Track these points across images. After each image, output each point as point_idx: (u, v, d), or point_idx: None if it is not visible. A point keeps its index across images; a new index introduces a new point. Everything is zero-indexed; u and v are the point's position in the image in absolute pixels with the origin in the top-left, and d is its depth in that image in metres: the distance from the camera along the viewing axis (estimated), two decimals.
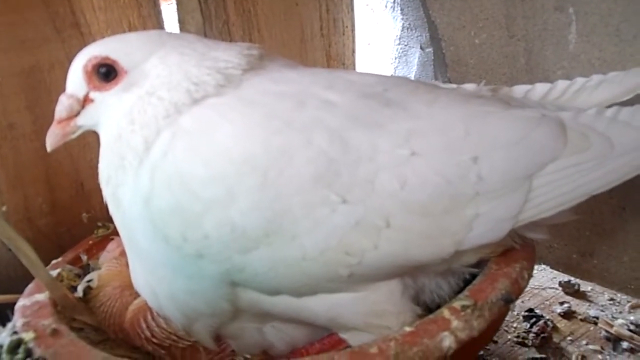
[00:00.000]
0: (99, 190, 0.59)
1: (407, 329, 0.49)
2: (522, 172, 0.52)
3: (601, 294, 0.82)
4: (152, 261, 0.56)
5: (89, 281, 0.68)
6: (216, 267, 0.52)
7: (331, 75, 0.60)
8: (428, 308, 0.57)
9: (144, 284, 0.60)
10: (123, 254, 0.67)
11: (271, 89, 0.55)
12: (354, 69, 1.10)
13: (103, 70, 0.57)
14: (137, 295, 0.64)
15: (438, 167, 0.50)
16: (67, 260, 0.74)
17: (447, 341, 0.48)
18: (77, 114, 0.59)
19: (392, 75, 1.10)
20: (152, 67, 0.56)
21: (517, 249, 0.58)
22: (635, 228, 0.78)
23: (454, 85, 0.69)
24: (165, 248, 0.53)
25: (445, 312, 0.51)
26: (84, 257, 0.75)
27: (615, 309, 0.78)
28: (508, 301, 0.53)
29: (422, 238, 0.51)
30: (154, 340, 0.62)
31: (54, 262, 0.73)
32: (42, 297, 0.63)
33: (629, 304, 0.78)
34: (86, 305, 0.67)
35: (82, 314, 0.65)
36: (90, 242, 0.78)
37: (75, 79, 0.58)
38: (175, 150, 0.51)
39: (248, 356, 0.62)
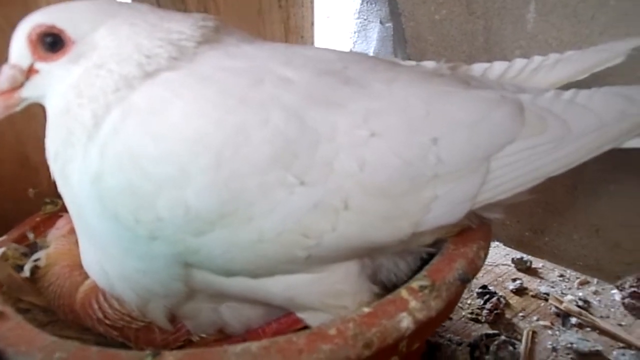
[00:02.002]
0: (46, 165, 0.57)
1: (365, 309, 0.49)
2: (480, 154, 0.52)
3: (552, 271, 0.84)
4: (103, 240, 0.54)
5: (36, 260, 0.66)
6: (169, 248, 0.50)
7: (289, 51, 0.58)
8: (385, 287, 0.57)
9: (94, 263, 0.58)
10: (72, 231, 0.65)
11: (226, 64, 0.54)
12: (313, 42, 1.08)
13: (49, 40, 0.54)
14: (87, 274, 0.62)
15: (397, 148, 0.50)
16: (13, 238, 0.70)
17: (406, 322, 0.48)
18: (21, 85, 0.56)
19: (351, 51, 1.08)
20: (101, 38, 0.54)
21: (474, 229, 0.58)
22: (585, 207, 0.80)
23: (414, 63, 0.68)
24: (115, 227, 0.51)
25: (403, 292, 0.50)
26: (31, 235, 0.71)
27: (565, 285, 0.80)
28: (465, 281, 0.53)
29: (380, 220, 0.50)
30: (107, 321, 0.60)
31: None
32: None
33: (578, 281, 0.81)
34: (34, 285, 0.64)
35: (29, 295, 0.62)
36: (38, 219, 0.75)
37: (19, 49, 0.55)
38: (127, 127, 0.50)
39: (204, 335, 0.61)
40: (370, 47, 1.06)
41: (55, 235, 0.69)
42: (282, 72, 0.52)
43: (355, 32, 1.09)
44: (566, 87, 0.60)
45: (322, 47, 0.92)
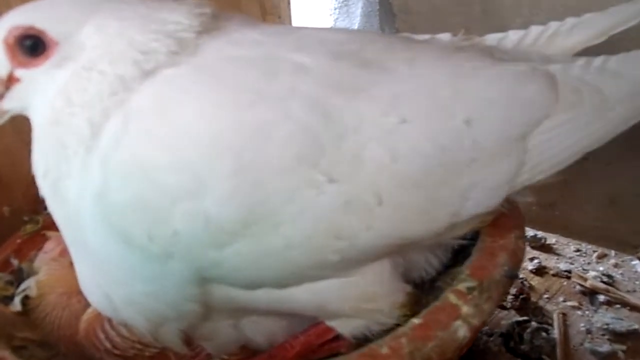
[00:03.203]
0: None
1: (415, 321, 0.45)
2: (516, 133, 0.48)
3: (567, 246, 0.82)
4: (106, 263, 0.49)
5: (25, 289, 0.59)
6: (187, 265, 0.46)
7: (296, 34, 0.53)
8: (416, 285, 0.54)
9: (95, 289, 0.53)
10: (64, 253, 0.59)
11: (233, 53, 0.49)
12: (290, 22, 1.02)
13: (28, 43, 0.48)
14: (87, 301, 0.56)
15: (430, 133, 0.46)
16: None
17: (462, 331, 0.44)
18: (1, 96, 0.50)
19: (359, 30, 1.01)
20: (88, 37, 0.48)
21: (506, 217, 0.54)
22: (598, 177, 0.77)
23: (428, 36, 0.64)
24: (123, 248, 0.46)
25: (450, 297, 0.47)
26: (15, 261, 0.65)
27: (584, 260, 0.78)
28: (512, 277, 0.50)
29: (416, 213, 0.47)
30: (116, 351, 0.55)
31: None
32: None
33: (596, 254, 0.78)
34: (26, 318, 0.58)
35: (23, 330, 0.56)
36: (19, 240, 0.68)
37: None
38: (130, 135, 0.45)
39: (225, 357, 0.57)
40: (353, 25, 1.00)
41: (44, 259, 0.63)
42: (295, 58, 0.48)
43: (336, 9, 1.03)
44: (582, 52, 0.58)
45: (329, 28, 0.87)
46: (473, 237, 0.54)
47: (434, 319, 0.45)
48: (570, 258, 0.79)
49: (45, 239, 0.69)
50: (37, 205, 0.74)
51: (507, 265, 0.49)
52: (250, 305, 0.51)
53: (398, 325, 0.51)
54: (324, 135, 0.45)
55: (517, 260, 0.51)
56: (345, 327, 0.51)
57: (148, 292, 0.49)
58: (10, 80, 0.50)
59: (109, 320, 0.55)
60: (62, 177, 0.48)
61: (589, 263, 0.77)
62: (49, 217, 0.70)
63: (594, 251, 0.80)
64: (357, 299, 0.50)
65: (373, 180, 0.45)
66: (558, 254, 0.80)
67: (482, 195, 0.48)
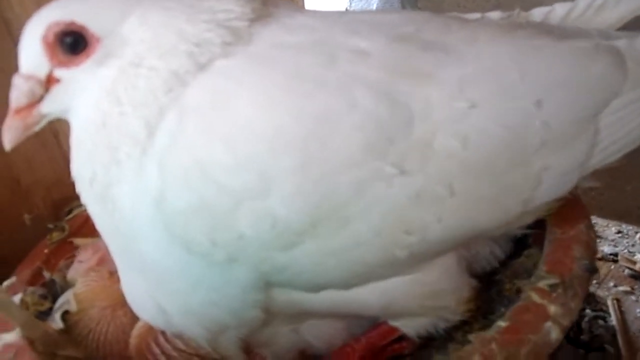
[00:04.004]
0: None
1: (502, 324, 0.43)
2: (587, 113, 0.47)
3: (607, 228, 0.80)
4: (162, 273, 0.48)
5: (62, 304, 0.55)
6: (251, 270, 0.45)
7: (348, 18, 0.51)
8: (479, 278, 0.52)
9: (145, 300, 0.51)
10: (102, 262, 0.57)
11: (288, 40, 0.46)
12: (304, 5, 0.98)
13: (69, 40, 0.45)
14: (133, 314, 0.53)
15: (500, 117, 0.45)
16: (25, 279, 0.60)
17: (554, 333, 0.42)
18: (40, 99, 0.47)
19: (411, 10, 0.96)
20: (132, 30, 0.45)
21: (570, 205, 0.52)
22: (637, 156, 0.75)
23: (478, 15, 0.61)
24: (183, 256, 0.45)
25: (533, 296, 0.45)
26: (47, 274, 0.61)
27: (627, 242, 0.76)
28: (591, 271, 0.48)
29: (488, 202, 0.45)
30: None
31: (6, 283, 0.59)
32: (13, 337, 0.50)
33: (638, 235, 0.77)
34: (67, 335, 0.54)
35: (65, 348, 0.52)
36: (46, 250, 0.64)
37: (33, 55, 0.46)
38: (187, 132, 0.43)
39: None
40: (371, 5, 0.96)
41: (79, 270, 0.59)
42: (352, 43, 0.46)
43: None
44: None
45: (379, 9, 0.82)
46: (532, 226, 0.52)
47: (522, 321, 0.43)
48: (612, 240, 0.77)
49: (73, 247, 0.66)
50: (59, 211, 0.73)
51: (585, 259, 0.47)
52: (313, 309, 0.49)
53: (464, 321, 0.51)
54: (392, 124, 0.43)
55: (592, 252, 0.49)
56: (410, 326, 0.50)
57: (208, 300, 0.47)
58: (50, 82, 0.46)
59: (164, 333, 0.52)
60: (113, 182, 0.46)
61: (632, 245, 0.75)
62: (74, 223, 0.69)
63: (636, 232, 0.78)
64: (424, 296, 0.49)
65: (444, 170, 0.44)
66: (599, 237, 0.78)
67: (554, 181, 0.46)
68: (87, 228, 0.68)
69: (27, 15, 0.69)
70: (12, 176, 0.70)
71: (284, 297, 0.47)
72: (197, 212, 0.43)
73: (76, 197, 0.50)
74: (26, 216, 0.72)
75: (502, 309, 0.51)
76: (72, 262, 0.63)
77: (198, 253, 0.44)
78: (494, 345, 0.41)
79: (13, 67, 0.61)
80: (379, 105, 0.43)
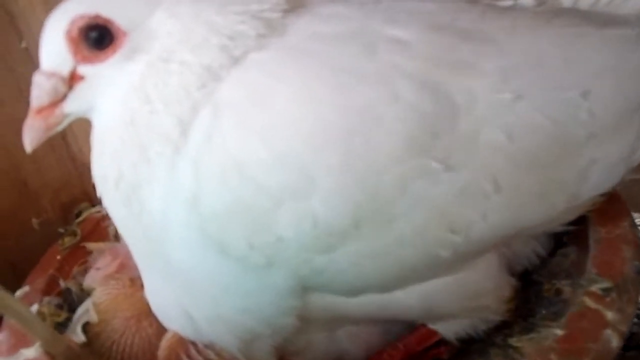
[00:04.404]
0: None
1: (558, 331, 0.42)
2: (632, 103, 0.45)
3: None
4: (191, 278, 0.46)
5: (82, 314, 0.53)
6: (288, 275, 0.43)
7: (384, 5, 0.49)
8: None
9: (172, 308, 0.49)
10: (122, 268, 0.55)
11: (324, 30, 0.45)
12: None
13: (94, 34, 0.43)
14: (159, 324, 0.51)
15: (546, 109, 0.43)
16: (39, 288, 0.57)
17: (614, 340, 0.41)
18: (63, 97, 0.45)
19: None
20: (160, 23, 0.44)
21: (610, 201, 0.50)
22: None
23: (510, 1, 0.59)
24: (217, 261, 0.43)
25: (587, 300, 0.44)
26: (62, 283, 0.58)
27: None
28: None
29: (534, 198, 0.44)
30: None
31: (20, 293, 0.57)
32: (33, 353, 0.47)
33: None
34: (90, 348, 0.51)
35: None
36: (58, 256, 0.62)
37: (55, 51, 0.44)
38: (223, 130, 0.42)
39: None
40: None
41: (96, 277, 0.56)
42: (390, 32, 0.44)
43: None
44: None
45: None
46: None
47: (579, 329, 0.42)
48: None
49: (86, 252, 0.63)
50: (67, 214, 0.70)
51: (636, 260, 0.46)
52: (351, 314, 0.47)
53: (503, 324, 0.49)
54: (436, 117, 0.42)
55: None
56: (449, 329, 0.49)
57: (241, 307, 0.46)
58: (73, 79, 0.44)
59: (195, 345, 0.50)
60: (142, 183, 0.44)
61: None
62: (85, 226, 0.67)
63: None
64: (466, 297, 0.48)
65: (489, 165, 0.42)
66: None
67: (601, 174, 0.45)
68: (99, 232, 0.67)
69: (32, 8, 0.67)
70: (20, 179, 0.68)
71: (321, 302, 0.46)
72: (234, 213, 0.41)
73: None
74: (34, 220, 0.69)
75: (543, 311, 0.50)
76: (85, 269, 0.61)
77: (234, 257, 0.43)
78: (553, 356, 0.39)
79: (19, 63, 0.58)
80: (422, 97, 0.41)
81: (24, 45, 0.63)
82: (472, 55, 0.44)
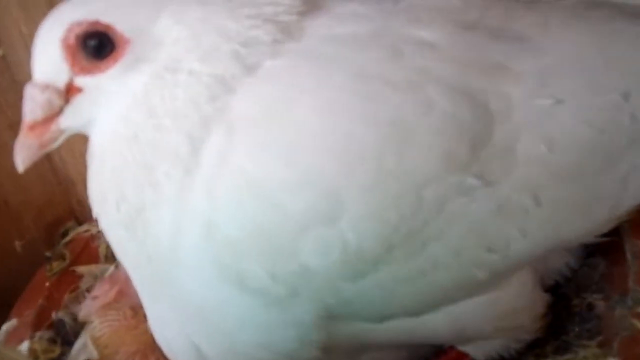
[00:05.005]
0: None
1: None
2: None
3: None
4: (201, 310, 0.43)
5: (79, 350, 0.48)
6: (314, 306, 0.40)
7: (405, 4, 0.46)
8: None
9: (179, 341, 0.46)
10: (121, 296, 0.51)
11: (343, 33, 0.42)
12: None
13: (93, 42, 0.40)
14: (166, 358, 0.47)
15: (586, 113, 0.41)
16: (28, 321, 0.53)
17: None
18: (59, 111, 0.42)
19: None
20: (166, 29, 0.40)
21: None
22: None
23: None
24: (233, 293, 0.40)
25: (637, 324, 0.41)
26: (54, 314, 0.53)
27: None
28: None
29: (575, 211, 0.42)
30: None
31: (6, 328, 0.52)
32: None
33: None
34: None
35: None
36: (47, 283, 0.58)
37: (50, 61, 0.41)
38: (238, 149, 0.39)
39: None
40: None
41: (94, 307, 0.52)
42: (415, 33, 0.42)
43: None
44: None
45: None
46: None
47: (634, 356, 0.39)
48: None
49: (76, 276, 0.59)
50: (52, 233, 0.66)
51: None
52: (377, 340, 0.45)
53: (534, 343, 0.48)
54: (473, 127, 0.39)
55: None
56: (480, 350, 0.47)
57: (259, 343, 0.43)
58: (70, 91, 0.41)
59: None
60: (147, 206, 0.41)
61: None
62: (74, 248, 0.63)
63: None
64: (500, 316, 0.45)
65: (528, 177, 0.40)
66: None
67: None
68: (89, 253, 0.64)
69: (8, 13, 0.62)
70: (0, 197, 0.62)
71: (346, 330, 0.43)
72: (253, 241, 0.39)
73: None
74: (17, 243, 0.64)
75: (576, 329, 0.49)
76: (77, 296, 0.57)
77: (252, 289, 0.40)
78: None
79: None
80: (458, 105, 0.39)
81: (0, 53, 0.59)
82: (505, 57, 0.41)
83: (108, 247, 0.65)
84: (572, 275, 0.52)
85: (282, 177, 0.38)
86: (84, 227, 0.65)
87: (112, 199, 0.42)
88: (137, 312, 0.49)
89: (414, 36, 0.42)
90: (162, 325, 0.48)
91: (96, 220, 0.45)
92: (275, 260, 0.39)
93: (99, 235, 0.65)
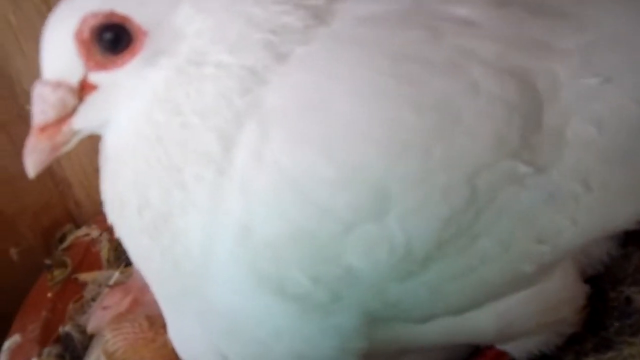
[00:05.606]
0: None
1: None
2: None
3: None
4: (234, 320, 0.40)
5: None
6: (357, 311, 0.38)
7: None
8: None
9: (206, 353, 0.43)
10: (136, 306, 0.48)
11: (376, 13, 0.39)
12: None
13: (109, 35, 0.36)
14: None
15: (634, 91, 0.39)
16: (34, 337, 0.49)
17: None
18: (73, 111, 0.38)
19: None
20: (187, 19, 0.37)
21: None
22: None
23: None
24: (270, 301, 0.38)
25: None
26: (63, 328, 0.49)
27: None
28: None
29: (624, 194, 0.40)
30: None
31: (9, 343, 0.48)
32: None
33: None
34: None
35: None
36: (49, 293, 0.54)
37: (63, 56, 0.37)
38: (274, 144, 0.36)
39: None
40: None
41: (105, 318, 0.48)
42: (451, 11, 0.40)
43: None
44: None
45: None
46: None
47: None
48: None
49: (79, 285, 0.55)
50: (49, 239, 0.62)
51: None
52: (418, 342, 0.43)
53: (572, 339, 0.46)
54: (523, 109, 0.37)
55: None
56: (521, 348, 0.45)
57: (296, 353, 0.40)
58: (84, 89, 0.38)
59: None
60: (175, 211, 0.38)
61: None
62: (75, 254, 0.59)
63: None
64: (544, 310, 0.43)
65: (578, 161, 0.38)
66: None
67: None
68: (90, 259, 0.60)
69: None
70: None
71: (385, 334, 0.41)
72: (293, 244, 0.36)
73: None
74: (12, 250, 0.60)
75: (615, 324, 0.47)
76: (82, 305, 0.53)
77: (291, 295, 0.37)
78: None
79: None
80: (504, 86, 0.37)
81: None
82: (548, 34, 0.39)
83: (110, 250, 0.62)
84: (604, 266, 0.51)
85: (322, 173, 0.36)
86: (83, 231, 0.61)
87: (133, 205, 0.40)
88: (154, 322, 0.45)
89: (451, 14, 0.39)
90: (186, 338, 0.45)
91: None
92: (318, 264, 0.37)
93: (100, 239, 0.62)
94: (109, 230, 0.63)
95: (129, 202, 0.40)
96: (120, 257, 0.61)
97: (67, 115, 0.38)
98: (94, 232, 0.60)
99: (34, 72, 0.41)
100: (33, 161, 0.38)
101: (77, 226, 0.63)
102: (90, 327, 0.49)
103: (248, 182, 0.37)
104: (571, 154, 0.38)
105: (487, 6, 0.40)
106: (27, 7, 0.47)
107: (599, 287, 0.51)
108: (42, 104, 0.38)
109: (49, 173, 0.61)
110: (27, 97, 0.56)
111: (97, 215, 0.64)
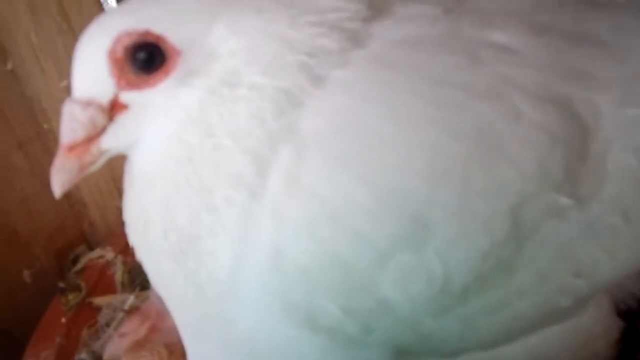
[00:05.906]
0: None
1: None
2: None
3: None
4: (259, 350, 0.39)
5: None
6: (387, 345, 0.38)
7: (471, 5, 0.43)
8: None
9: None
10: (154, 332, 0.47)
11: (413, 37, 0.39)
12: None
13: (142, 55, 0.36)
14: None
15: None
16: None
17: None
18: (102, 130, 0.38)
19: None
20: (221, 40, 0.37)
21: None
22: None
23: None
24: (297, 333, 0.37)
25: None
26: (77, 356, 0.48)
27: None
28: None
29: None
30: None
31: None
32: None
33: None
34: None
35: None
36: (63, 318, 0.52)
37: (95, 74, 0.37)
38: (310, 169, 0.35)
39: None
40: None
41: (122, 346, 0.47)
42: (489, 37, 0.39)
43: None
44: None
45: None
46: None
47: None
48: None
49: (93, 309, 0.53)
50: (62, 261, 0.61)
51: None
52: None
53: None
54: (564, 141, 0.36)
55: None
56: None
57: None
58: (115, 108, 0.37)
59: None
60: (203, 234, 0.37)
61: None
62: (89, 278, 0.58)
63: None
64: (576, 345, 0.42)
65: (618, 193, 0.37)
66: None
67: None
68: (105, 282, 0.59)
69: (17, 22, 0.56)
70: (9, 225, 0.57)
71: None
72: (327, 273, 0.35)
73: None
74: (25, 272, 0.59)
75: None
76: (96, 331, 0.51)
77: (320, 327, 0.36)
78: None
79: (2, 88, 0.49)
80: (547, 114, 0.36)
81: (9, 67, 0.54)
82: (588, 63, 0.39)
83: (124, 273, 0.61)
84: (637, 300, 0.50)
85: (359, 200, 0.35)
86: (97, 253, 0.60)
87: (158, 226, 0.39)
88: (174, 350, 0.44)
89: (489, 40, 0.39)
90: None
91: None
92: (351, 295, 0.36)
93: (114, 261, 0.61)
94: (124, 252, 0.63)
95: (154, 223, 0.39)
96: (134, 280, 0.59)
97: (96, 134, 0.37)
98: (109, 254, 0.59)
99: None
100: (60, 180, 0.37)
101: (90, 248, 0.62)
102: (107, 355, 0.47)
103: (282, 207, 0.36)
104: (611, 186, 0.37)
105: (525, 33, 0.40)
106: (48, 25, 0.46)
107: (630, 322, 0.50)
108: (72, 123, 0.37)
109: (66, 196, 0.59)
110: (45, 116, 0.56)
111: (111, 236, 0.63)
